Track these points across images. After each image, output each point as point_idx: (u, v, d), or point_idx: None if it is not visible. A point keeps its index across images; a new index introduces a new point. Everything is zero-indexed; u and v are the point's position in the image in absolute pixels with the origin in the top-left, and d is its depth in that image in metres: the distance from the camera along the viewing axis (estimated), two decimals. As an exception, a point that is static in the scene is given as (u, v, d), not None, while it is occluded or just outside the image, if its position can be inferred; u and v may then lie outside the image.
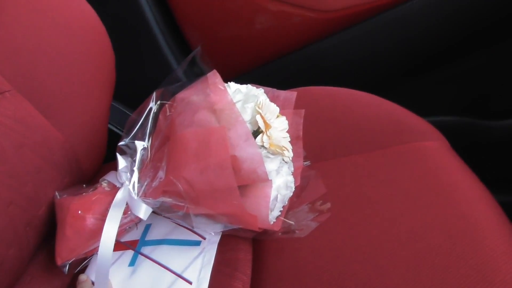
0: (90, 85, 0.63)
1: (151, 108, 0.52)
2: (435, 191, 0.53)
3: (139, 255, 0.49)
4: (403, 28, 0.76)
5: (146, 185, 0.48)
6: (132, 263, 0.49)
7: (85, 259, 0.49)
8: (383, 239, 0.49)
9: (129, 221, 0.49)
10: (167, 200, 0.46)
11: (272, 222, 0.49)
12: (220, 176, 0.44)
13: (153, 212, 0.51)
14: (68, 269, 0.48)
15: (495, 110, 0.86)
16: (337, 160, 0.60)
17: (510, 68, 0.82)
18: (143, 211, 0.48)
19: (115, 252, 0.49)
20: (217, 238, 0.50)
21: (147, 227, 0.52)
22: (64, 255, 0.47)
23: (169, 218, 0.52)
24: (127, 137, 0.51)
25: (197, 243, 0.50)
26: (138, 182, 0.49)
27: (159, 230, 0.52)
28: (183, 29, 0.88)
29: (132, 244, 0.51)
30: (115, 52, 0.67)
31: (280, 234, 0.50)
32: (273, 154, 0.49)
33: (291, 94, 0.56)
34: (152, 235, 0.51)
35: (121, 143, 0.51)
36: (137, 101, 0.54)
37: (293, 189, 0.52)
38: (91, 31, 0.65)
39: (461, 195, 0.52)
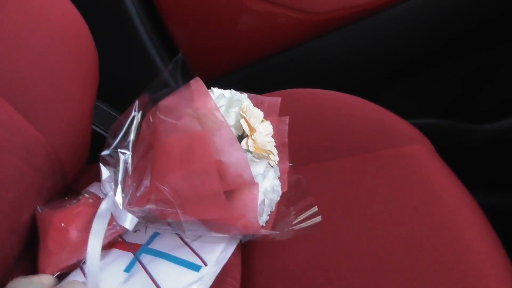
0: (72, 86, 0.61)
1: (134, 117, 0.51)
2: (419, 197, 0.53)
3: (137, 262, 0.48)
4: (387, 32, 0.76)
5: (131, 194, 0.47)
6: (128, 269, 0.47)
7: (69, 272, 0.48)
8: (370, 246, 0.49)
9: (114, 232, 0.48)
10: (153, 207, 0.45)
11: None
12: (205, 182, 0.44)
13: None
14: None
15: (477, 113, 0.87)
16: (322, 164, 0.60)
17: (493, 72, 0.83)
18: (129, 221, 0.47)
19: (116, 250, 0.48)
20: (218, 268, 0.48)
21: (155, 235, 0.51)
22: (48, 270, 0.46)
23: (177, 234, 0.50)
24: (109, 146, 0.50)
25: (197, 268, 0.47)
26: (122, 192, 0.48)
27: (165, 243, 0.50)
28: (168, 27, 0.87)
29: (135, 247, 0.49)
30: (99, 51, 0.66)
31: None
32: (258, 158, 0.48)
33: (275, 100, 0.54)
34: (157, 245, 0.49)
35: (104, 152, 0.50)
36: (123, 101, 0.53)
37: (280, 193, 0.52)
38: (72, 30, 0.63)
39: (444, 201, 0.53)
